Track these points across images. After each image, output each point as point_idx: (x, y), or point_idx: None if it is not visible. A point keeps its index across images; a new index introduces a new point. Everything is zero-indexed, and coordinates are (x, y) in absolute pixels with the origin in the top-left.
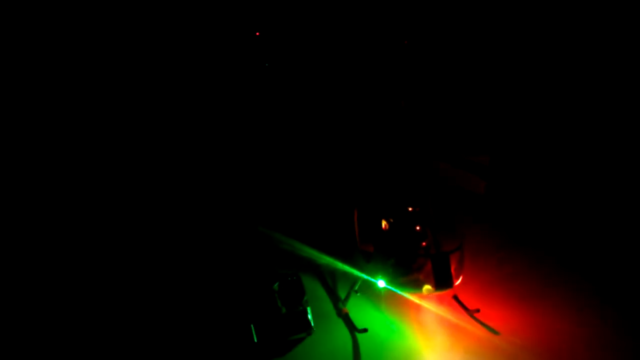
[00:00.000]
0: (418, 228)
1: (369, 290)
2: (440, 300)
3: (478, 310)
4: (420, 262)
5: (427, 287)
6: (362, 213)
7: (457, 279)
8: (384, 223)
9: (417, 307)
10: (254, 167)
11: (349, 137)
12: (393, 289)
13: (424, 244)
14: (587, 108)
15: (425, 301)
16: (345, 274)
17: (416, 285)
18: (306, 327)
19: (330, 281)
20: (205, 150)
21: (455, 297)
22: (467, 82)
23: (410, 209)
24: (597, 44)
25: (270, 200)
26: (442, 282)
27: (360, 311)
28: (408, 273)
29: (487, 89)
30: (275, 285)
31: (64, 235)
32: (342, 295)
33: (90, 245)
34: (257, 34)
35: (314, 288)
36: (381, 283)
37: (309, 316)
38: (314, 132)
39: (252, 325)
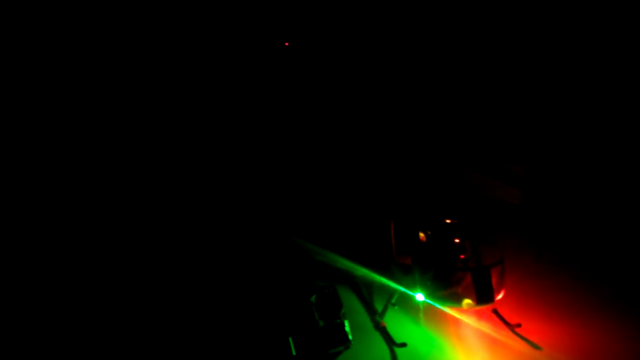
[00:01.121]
0: (457, 240)
1: (406, 303)
2: (479, 315)
3: (519, 325)
4: (459, 275)
5: (467, 302)
6: (399, 224)
7: (499, 293)
8: (421, 235)
9: (456, 321)
10: (290, 178)
11: (385, 147)
12: (432, 302)
13: (462, 256)
14: (628, 118)
15: (465, 315)
16: (382, 287)
17: (455, 299)
18: (344, 341)
19: (366, 293)
20: (242, 160)
21: (495, 311)
22: (500, 91)
23: (448, 220)
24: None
25: (306, 211)
26: (483, 296)
27: (398, 325)
28: (447, 286)
29: (521, 97)
30: (313, 298)
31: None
32: (379, 308)
33: (120, 261)
34: (287, 44)
35: (350, 300)
36: (419, 296)
37: (347, 329)
38: (350, 142)
39: (290, 338)
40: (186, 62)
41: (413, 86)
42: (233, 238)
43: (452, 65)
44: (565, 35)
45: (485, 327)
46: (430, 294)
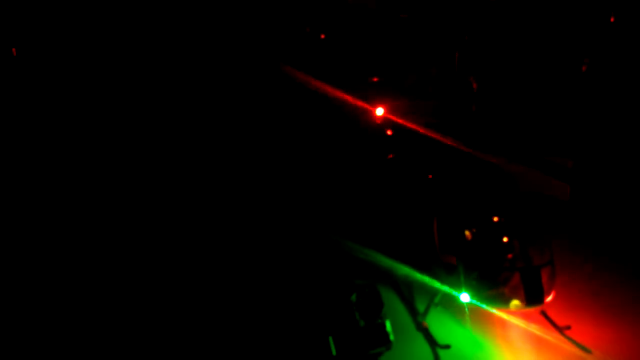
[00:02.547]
0: (505, 239)
1: (450, 303)
2: (527, 316)
3: (569, 327)
4: (506, 275)
5: (515, 303)
6: (443, 222)
7: (549, 295)
8: (467, 233)
9: (503, 323)
10: (331, 176)
11: (429, 141)
12: (477, 303)
13: (510, 256)
14: None
15: (511, 316)
16: (424, 286)
17: (502, 300)
18: (385, 341)
19: (407, 293)
20: (283, 160)
21: (544, 313)
22: (548, 80)
23: (495, 218)
24: None
25: (346, 208)
26: (532, 298)
27: (441, 325)
28: (493, 287)
29: (570, 87)
30: (353, 297)
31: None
32: (421, 308)
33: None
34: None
35: (390, 300)
36: (464, 297)
37: (388, 329)
38: (391, 138)
39: (330, 338)
40: (186, 63)
41: (459, 76)
42: (273, 236)
43: (499, 57)
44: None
45: (532, 329)
46: (476, 294)
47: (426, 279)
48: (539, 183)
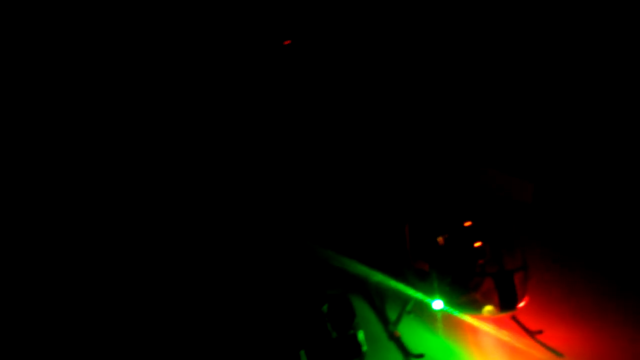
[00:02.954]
0: (477, 244)
1: (422, 311)
2: (498, 322)
3: (541, 332)
4: (479, 281)
5: (488, 309)
6: (415, 228)
7: (522, 299)
8: (439, 239)
9: (474, 330)
10: (299, 181)
11: (398, 149)
12: (450, 310)
13: (481, 261)
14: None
15: (483, 323)
16: (395, 294)
17: (476, 306)
18: (358, 353)
19: (378, 301)
20: (250, 163)
21: (514, 318)
22: (508, 91)
23: (467, 223)
24: None
25: (314, 215)
26: (506, 303)
27: (414, 334)
28: (467, 293)
29: (530, 97)
30: (324, 307)
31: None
32: (393, 316)
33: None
34: (287, 42)
35: (361, 309)
36: (438, 304)
37: (361, 340)
38: (361, 145)
39: (302, 352)
40: (187, 64)
41: (423, 88)
42: (240, 244)
43: (461, 68)
44: (575, 38)
45: (504, 335)
46: (449, 301)
47: (398, 286)
48: (504, 187)
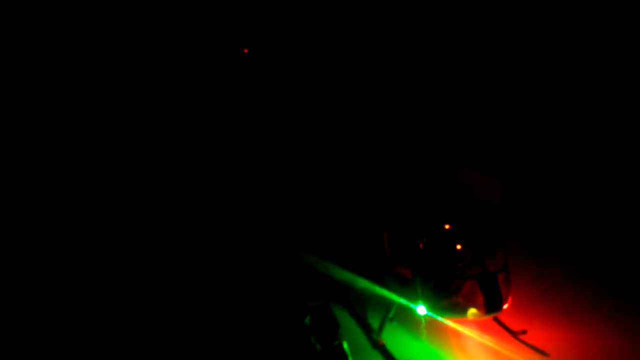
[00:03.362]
0: (458, 247)
1: (404, 317)
2: (481, 325)
3: (524, 332)
4: (463, 284)
5: (472, 311)
6: (394, 233)
7: (506, 300)
8: (419, 243)
9: (457, 334)
10: (272, 185)
11: (372, 153)
12: (434, 315)
13: (462, 264)
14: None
15: (466, 327)
16: (375, 301)
17: (460, 310)
18: None
19: (359, 310)
20: (226, 169)
21: (497, 319)
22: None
23: (447, 226)
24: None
25: (291, 221)
26: (492, 305)
27: (397, 341)
28: (451, 296)
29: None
30: (307, 320)
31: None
32: (375, 324)
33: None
34: (245, 50)
35: (342, 318)
36: (421, 309)
37: (346, 351)
38: (335, 148)
39: None
40: (185, 65)
41: (396, 94)
42: (218, 254)
43: (435, 70)
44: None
45: (488, 338)
46: (432, 305)
47: (380, 293)
48: (475, 183)
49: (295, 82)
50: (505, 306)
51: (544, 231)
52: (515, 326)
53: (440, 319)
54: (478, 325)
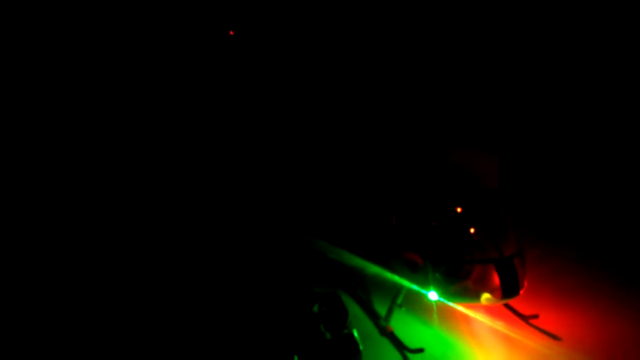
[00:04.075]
0: (472, 230)
1: (412, 303)
2: (491, 310)
3: (536, 316)
4: (477, 268)
5: (486, 297)
6: (403, 218)
7: (523, 285)
8: (430, 227)
9: (468, 319)
10: (276, 171)
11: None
12: (446, 300)
13: (476, 248)
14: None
15: (475, 312)
16: (382, 286)
17: (473, 295)
18: (355, 352)
19: (364, 296)
20: (229, 158)
21: (507, 305)
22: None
23: (459, 209)
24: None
25: (301, 204)
26: (509, 290)
27: (407, 327)
28: (464, 281)
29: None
30: (315, 307)
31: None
32: (382, 311)
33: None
34: (231, 33)
35: (348, 305)
36: (433, 295)
37: (357, 339)
38: (339, 135)
39: (295, 357)
40: (184, 64)
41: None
42: (220, 242)
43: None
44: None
45: (499, 323)
46: (444, 291)
47: (387, 278)
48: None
49: (292, 70)
50: (522, 290)
51: (547, 212)
52: (525, 310)
53: (451, 304)
54: (488, 310)
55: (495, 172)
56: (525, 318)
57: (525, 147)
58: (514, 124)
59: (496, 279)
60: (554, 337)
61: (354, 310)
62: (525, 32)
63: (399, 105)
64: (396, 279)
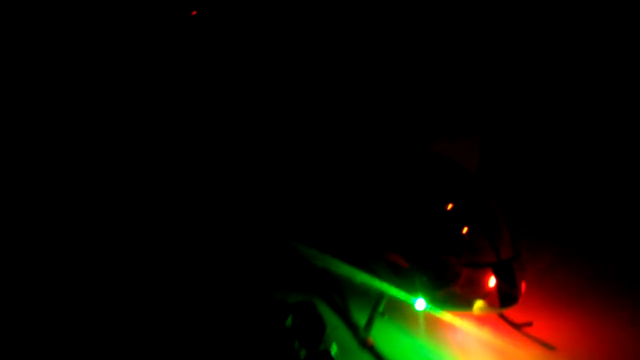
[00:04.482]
0: (465, 230)
1: (396, 310)
2: (480, 318)
3: (530, 324)
4: (463, 274)
5: (479, 305)
6: (386, 214)
7: (522, 292)
8: (418, 224)
9: (453, 328)
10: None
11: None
12: (434, 309)
13: (467, 251)
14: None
15: (463, 320)
16: (361, 292)
17: (464, 303)
18: None
19: (340, 302)
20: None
21: (500, 314)
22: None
23: (449, 206)
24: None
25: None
26: (508, 297)
27: (389, 339)
28: (451, 288)
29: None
30: (288, 321)
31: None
32: (362, 320)
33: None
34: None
35: (325, 315)
36: (420, 303)
37: (335, 356)
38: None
39: None
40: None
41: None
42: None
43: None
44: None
45: (487, 332)
46: (433, 299)
47: (368, 283)
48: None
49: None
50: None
51: (530, 213)
52: (519, 318)
53: (440, 313)
54: (478, 318)
55: (476, 157)
56: (518, 326)
57: (509, 136)
58: (496, 114)
59: (489, 285)
60: (548, 347)
61: (331, 320)
62: (500, 23)
63: (373, 99)
64: (378, 283)
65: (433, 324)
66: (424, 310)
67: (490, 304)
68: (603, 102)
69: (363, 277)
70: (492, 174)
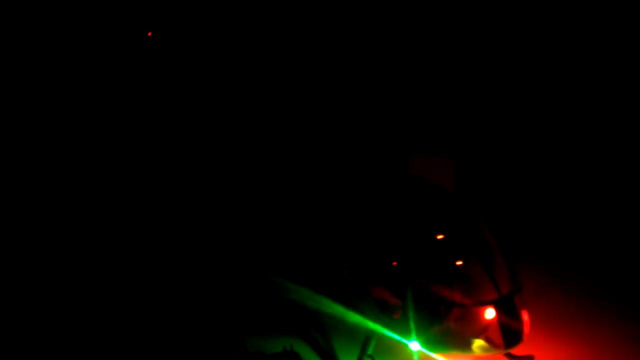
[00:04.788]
0: (459, 263)
1: (387, 352)
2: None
3: (531, 357)
4: (460, 312)
5: (479, 344)
6: (371, 248)
7: (527, 329)
8: (405, 259)
9: None
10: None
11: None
12: (429, 351)
13: (463, 286)
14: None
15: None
16: (347, 332)
17: (462, 344)
18: None
19: (325, 345)
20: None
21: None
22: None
23: (439, 236)
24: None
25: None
26: (512, 336)
27: None
28: (448, 328)
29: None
30: None
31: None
32: None
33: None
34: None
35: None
36: (414, 345)
37: None
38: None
39: None
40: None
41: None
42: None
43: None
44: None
45: None
46: (427, 339)
47: (356, 322)
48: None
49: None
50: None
51: (517, 233)
52: (520, 351)
53: (435, 355)
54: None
55: (452, 177)
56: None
57: (484, 157)
58: (473, 130)
59: (487, 320)
60: None
61: None
62: (480, 36)
63: (349, 119)
64: (365, 322)
65: None
66: (419, 352)
67: (492, 343)
68: (583, 124)
69: (349, 316)
70: (469, 194)
